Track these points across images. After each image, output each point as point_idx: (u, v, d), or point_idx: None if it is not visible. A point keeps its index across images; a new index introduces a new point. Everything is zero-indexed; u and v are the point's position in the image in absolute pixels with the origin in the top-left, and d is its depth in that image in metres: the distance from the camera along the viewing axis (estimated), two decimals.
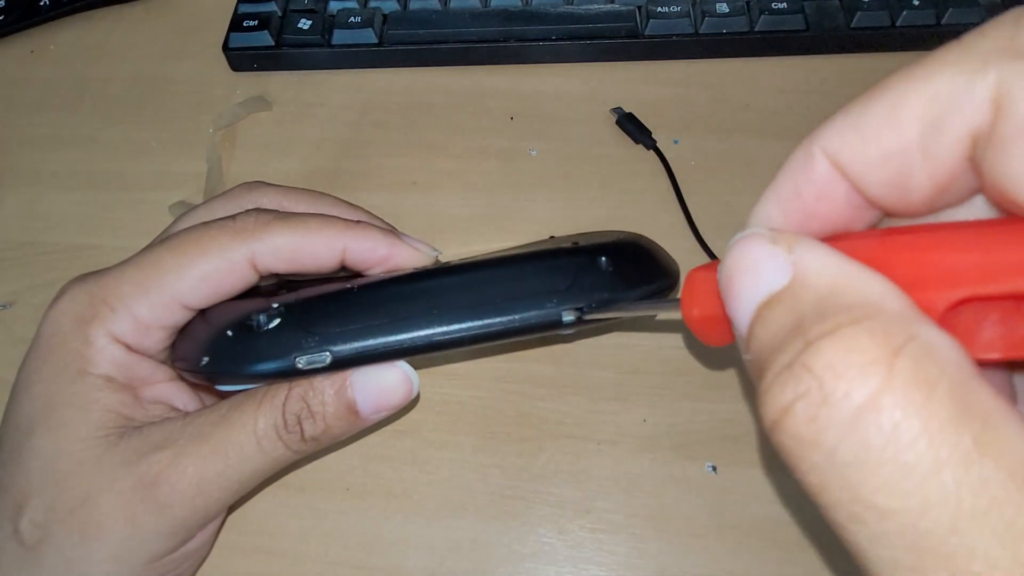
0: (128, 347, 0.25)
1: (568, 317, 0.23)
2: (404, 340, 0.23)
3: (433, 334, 0.23)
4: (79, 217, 0.39)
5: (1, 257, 0.38)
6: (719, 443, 0.31)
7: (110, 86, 0.44)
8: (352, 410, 0.24)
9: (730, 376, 0.32)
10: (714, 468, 0.30)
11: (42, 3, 0.46)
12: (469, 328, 0.23)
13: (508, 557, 0.29)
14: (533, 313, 0.23)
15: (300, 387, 0.24)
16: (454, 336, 0.23)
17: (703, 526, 0.29)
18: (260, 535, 0.30)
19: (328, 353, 0.23)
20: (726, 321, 0.17)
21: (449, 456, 0.31)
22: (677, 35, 0.41)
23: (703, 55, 0.42)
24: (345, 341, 0.23)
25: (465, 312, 0.23)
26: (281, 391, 0.24)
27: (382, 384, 0.24)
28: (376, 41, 0.42)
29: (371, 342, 0.23)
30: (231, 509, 0.30)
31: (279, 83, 0.43)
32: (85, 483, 0.24)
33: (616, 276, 0.25)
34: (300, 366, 0.23)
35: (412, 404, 0.31)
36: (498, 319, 0.23)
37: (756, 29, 0.41)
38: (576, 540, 0.29)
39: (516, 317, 0.23)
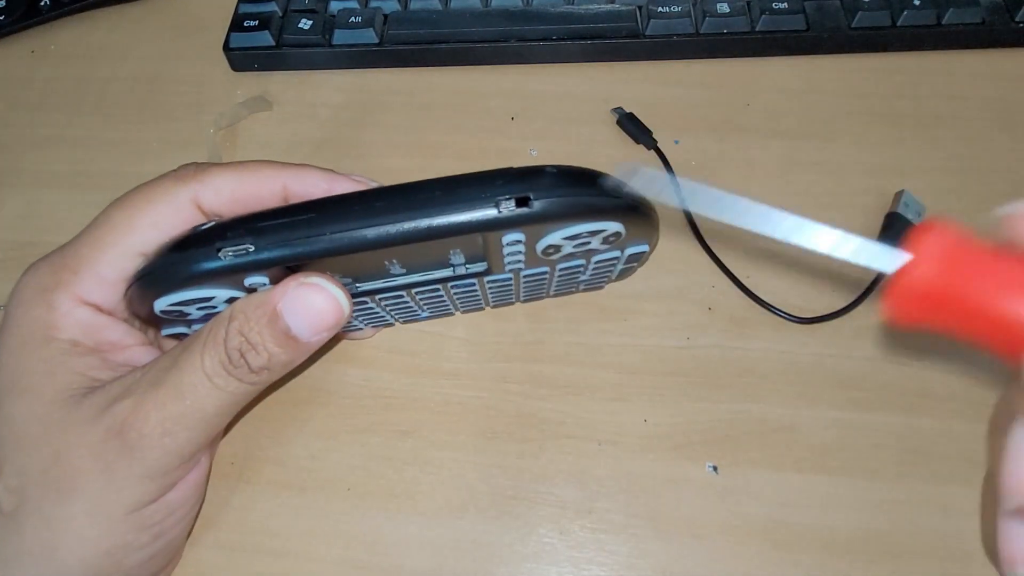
0: (98, 308, 0.26)
1: (506, 209, 0.23)
2: (332, 233, 0.23)
3: (364, 224, 0.23)
4: (79, 217, 0.38)
5: (1, 257, 0.38)
6: (720, 443, 0.31)
7: (110, 86, 0.44)
8: (289, 336, 0.24)
9: (730, 376, 0.32)
10: (715, 468, 0.30)
11: (42, 3, 0.46)
12: (399, 219, 0.23)
13: (509, 557, 0.29)
14: (470, 203, 0.23)
15: (236, 321, 0.24)
16: (386, 232, 0.23)
17: (704, 526, 0.29)
18: (261, 535, 0.30)
19: (251, 243, 0.23)
20: (962, 300, 0.14)
21: (450, 456, 0.31)
22: (678, 35, 0.41)
23: (704, 55, 0.42)
24: (270, 233, 0.23)
25: (398, 207, 0.23)
26: (221, 328, 0.24)
27: (311, 307, 0.24)
28: (377, 41, 0.42)
29: (296, 232, 0.23)
30: (231, 508, 0.30)
31: (280, 83, 0.43)
32: (54, 442, 0.24)
33: (562, 178, 0.24)
34: (224, 259, 0.23)
35: (347, 325, 0.31)
36: (430, 209, 0.23)
37: (757, 29, 0.41)
38: (577, 540, 0.29)
39: (449, 207, 0.23)
